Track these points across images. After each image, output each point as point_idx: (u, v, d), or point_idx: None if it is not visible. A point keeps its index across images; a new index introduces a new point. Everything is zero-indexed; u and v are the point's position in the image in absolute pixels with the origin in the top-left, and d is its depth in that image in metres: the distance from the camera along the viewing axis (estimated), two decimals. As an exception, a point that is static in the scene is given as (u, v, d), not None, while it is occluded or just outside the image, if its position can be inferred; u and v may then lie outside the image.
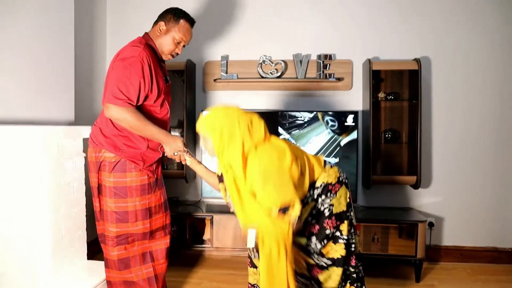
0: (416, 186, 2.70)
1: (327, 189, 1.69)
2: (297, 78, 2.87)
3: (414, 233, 2.50)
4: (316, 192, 1.70)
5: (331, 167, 1.76)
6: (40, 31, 2.25)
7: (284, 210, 1.49)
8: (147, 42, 1.89)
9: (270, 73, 2.87)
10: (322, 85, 2.91)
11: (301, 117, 2.80)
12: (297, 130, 2.80)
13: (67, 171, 2.03)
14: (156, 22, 1.96)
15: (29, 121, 2.16)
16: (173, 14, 1.93)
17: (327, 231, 1.67)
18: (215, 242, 2.66)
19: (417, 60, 2.66)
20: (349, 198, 1.75)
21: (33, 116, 2.21)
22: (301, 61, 2.86)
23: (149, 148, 1.90)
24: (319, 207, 1.69)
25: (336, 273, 1.66)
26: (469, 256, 2.88)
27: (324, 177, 1.71)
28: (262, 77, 2.88)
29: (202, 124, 1.64)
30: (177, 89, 2.87)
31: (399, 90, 2.82)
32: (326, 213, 1.68)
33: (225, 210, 2.73)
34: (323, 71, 2.85)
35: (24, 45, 2.15)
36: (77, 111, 2.61)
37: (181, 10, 1.97)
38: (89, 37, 2.92)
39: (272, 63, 2.88)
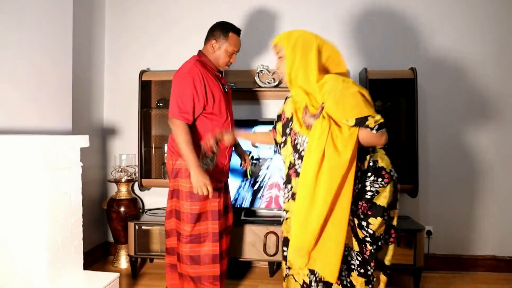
0: (413, 194, 2.70)
1: (380, 172, 1.57)
2: (294, 87, 2.88)
3: (412, 242, 2.50)
4: (372, 164, 1.58)
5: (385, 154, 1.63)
6: (38, 40, 2.27)
7: (360, 122, 1.44)
8: (199, 58, 2.13)
9: (268, 82, 2.89)
10: (319, 94, 2.92)
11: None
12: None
13: (64, 181, 2.02)
14: (207, 39, 2.17)
15: (26, 131, 2.17)
16: (221, 30, 2.13)
17: (358, 212, 1.57)
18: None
19: (413, 69, 2.68)
20: (392, 197, 1.61)
21: (30, 125, 2.22)
22: (298, 71, 2.87)
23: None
24: (366, 184, 1.57)
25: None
26: (468, 265, 2.86)
27: (381, 155, 1.60)
28: (260, 87, 2.90)
29: (280, 35, 1.65)
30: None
31: (395, 99, 2.84)
32: (368, 195, 1.57)
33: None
34: (320, 80, 2.86)
35: (22, 55, 2.17)
36: (74, 121, 2.62)
37: (226, 23, 2.16)
38: (87, 46, 2.95)
39: (270, 72, 2.90)
